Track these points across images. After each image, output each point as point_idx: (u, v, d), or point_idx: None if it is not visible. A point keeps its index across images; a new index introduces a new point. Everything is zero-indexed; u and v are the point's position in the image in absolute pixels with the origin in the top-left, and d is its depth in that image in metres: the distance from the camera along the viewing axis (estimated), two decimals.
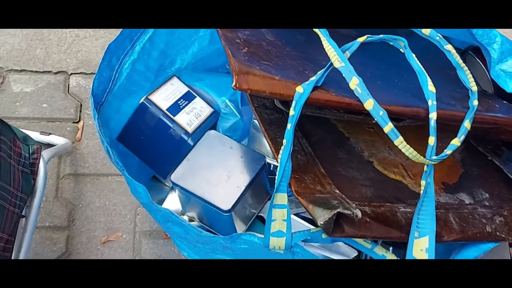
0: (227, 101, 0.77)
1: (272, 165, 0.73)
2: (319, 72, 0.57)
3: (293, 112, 0.54)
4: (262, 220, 0.78)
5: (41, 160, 0.74)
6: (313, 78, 0.56)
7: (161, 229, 0.93)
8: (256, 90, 0.55)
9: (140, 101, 0.73)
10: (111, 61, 0.69)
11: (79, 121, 1.03)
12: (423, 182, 0.58)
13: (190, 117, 0.75)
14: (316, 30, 0.62)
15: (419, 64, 0.62)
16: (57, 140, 0.88)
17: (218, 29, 0.63)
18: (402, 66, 0.65)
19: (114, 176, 0.98)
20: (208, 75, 0.82)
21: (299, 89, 0.54)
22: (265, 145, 0.76)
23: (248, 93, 0.57)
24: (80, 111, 1.04)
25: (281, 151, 0.55)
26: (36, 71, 1.07)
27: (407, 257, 0.55)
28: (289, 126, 0.54)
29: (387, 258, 0.58)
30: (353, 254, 0.69)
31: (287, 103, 0.63)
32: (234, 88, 0.54)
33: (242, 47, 0.61)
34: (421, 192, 0.57)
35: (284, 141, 0.54)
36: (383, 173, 0.68)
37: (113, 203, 0.96)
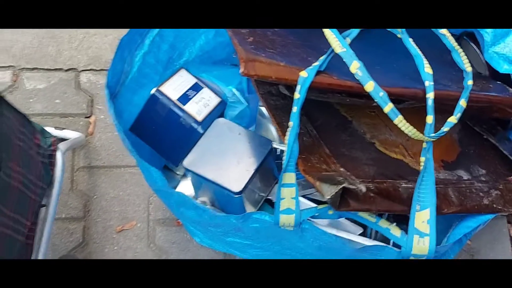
0: (234, 90, 0.80)
1: (278, 150, 0.76)
2: (321, 58, 0.60)
3: (298, 95, 0.57)
4: (270, 203, 0.81)
5: (58, 151, 0.77)
6: (316, 63, 0.59)
7: (174, 216, 0.96)
8: (262, 76, 0.59)
9: (151, 92, 0.77)
10: (123, 55, 0.73)
11: (91, 115, 1.07)
12: (422, 159, 0.61)
13: (199, 107, 0.78)
14: None
15: (416, 47, 0.66)
16: (71, 134, 0.91)
17: None
18: (400, 52, 0.69)
19: (126, 167, 1.01)
20: (214, 66, 0.86)
21: (303, 73, 0.58)
22: (271, 131, 0.79)
23: (255, 78, 0.60)
24: (92, 106, 1.07)
25: (287, 133, 0.58)
26: (48, 69, 1.10)
27: (409, 229, 0.59)
28: (295, 109, 0.58)
29: (391, 231, 0.61)
30: (358, 231, 0.73)
31: (291, 89, 0.67)
32: (242, 74, 0.58)
33: (247, 37, 0.64)
34: (421, 168, 0.61)
35: (291, 123, 0.58)
36: (384, 153, 0.71)
37: (126, 193, 0.99)
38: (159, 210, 0.98)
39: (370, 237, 0.73)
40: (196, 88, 0.81)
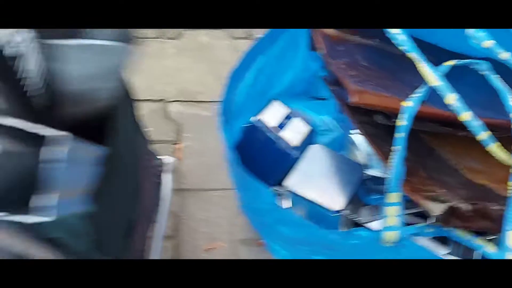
0: (325, 118, 0.88)
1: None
2: (421, 89, 0.67)
3: (405, 122, 0.64)
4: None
5: (168, 172, 0.86)
6: (419, 94, 0.66)
7: (256, 237, 1.03)
8: (370, 105, 0.66)
9: (252, 120, 0.85)
10: (231, 86, 0.82)
11: (179, 142, 1.16)
12: (510, 183, 0.67)
13: (293, 134, 0.86)
14: (410, 54, 0.73)
15: (500, 83, 0.72)
16: (168, 158, 1.01)
17: (326, 58, 0.76)
18: (480, 85, 0.75)
19: (212, 191, 1.10)
20: (304, 98, 0.94)
21: (409, 103, 0.65)
22: (359, 156, 0.86)
23: (362, 107, 0.68)
24: (180, 134, 1.17)
25: (393, 156, 0.65)
26: (139, 99, 1.21)
27: (500, 247, 0.63)
28: (401, 134, 0.65)
29: (486, 247, 0.66)
30: (446, 250, 0.78)
31: (389, 117, 0.74)
32: (351, 104, 0.65)
33: (348, 72, 0.72)
34: (509, 193, 0.66)
35: (397, 147, 0.65)
36: (470, 179, 0.77)
37: (213, 215, 1.07)
38: (242, 231, 1.05)
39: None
40: (289, 117, 0.89)
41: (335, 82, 0.75)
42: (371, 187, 0.82)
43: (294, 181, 0.78)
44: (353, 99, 0.65)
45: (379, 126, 0.78)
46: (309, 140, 0.88)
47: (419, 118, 0.72)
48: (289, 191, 0.78)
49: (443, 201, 0.63)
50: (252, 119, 0.85)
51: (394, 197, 0.65)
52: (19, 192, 0.37)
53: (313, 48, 0.87)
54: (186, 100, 1.22)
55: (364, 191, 0.85)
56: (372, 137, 0.75)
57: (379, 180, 0.80)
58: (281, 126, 0.87)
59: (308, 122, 0.90)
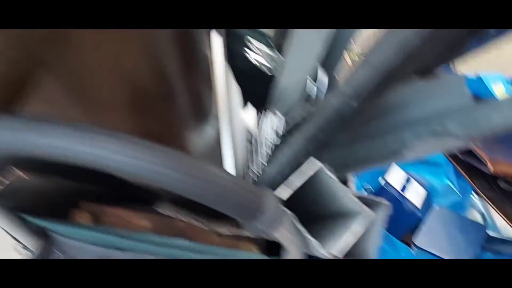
0: (447, 182, 0.99)
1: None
2: None
3: None
4: None
5: None
6: None
7: None
8: (506, 173, 0.77)
9: (381, 182, 0.97)
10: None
11: None
12: None
13: (415, 196, 0.97)
14: None
15: None
16: None
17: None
18: None
19: None
20: (419, 162, 1.06)
21: None
22: (479, 218, 0.96)
23: (500, 176, 0.79)
24: None
25: None
26: None
27: None
28: None
29: None
30: None
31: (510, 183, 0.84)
32: (491, 173, 0.77)
33: (482, 142, 0.84)
34: None
35: None
36: None
37: None
38: None
39: None
40: (408, 180, 1.00)
41: (465, 151, 0.86)
42: (492, 248, 0.91)
43: (422, 240, 0.89)
44: (490, 168, 0.76)
45: (503, 192, 0.89)
46: (428, 202, 0.98)
47: None
48: (417, 247, 0.89)
49: None
50: (380, 180, 0.97)
51: None
52: None
53: None
54: None
55: (485, 252, 0.94)
56: (496, 202, 0.86)
57: (500, 241, 0.89)
58: (405, 189, 0.98)
59: (423, 185, 1.02)
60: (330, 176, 0.38)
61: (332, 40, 0.49)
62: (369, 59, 0.33)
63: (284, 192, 0.37)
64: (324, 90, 0.46)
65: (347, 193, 0.39)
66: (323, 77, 0.46)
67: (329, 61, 0.52)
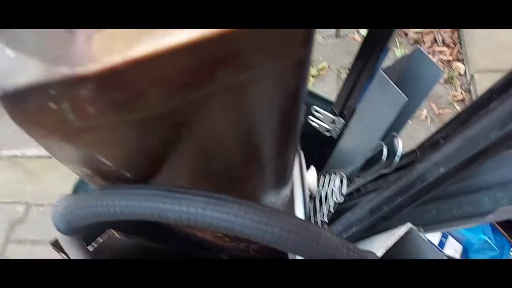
0: (483, 236, 1.01)
1: None
2: None
3: None
4: None
5: None
6: None
7: None
8: None
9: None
10: None
11: None
12: None
13: (454, 251, 1.00)
14: None
15: None
16: None
17: None
18: None
19: None
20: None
21: None
22: None
23: None
24: None
25: None
26: None
27: None
28: None
29: None
30: None
31: None
32: None
33: None
34: None
35: None
36: None
37: None
38: None
39: None
40: (445, 235, 1.03)
41: None
42: None
43: None
44: None
45: None
46: (465, 257, 1.01)
47: None
48: None
49: None
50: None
51: None
52: None
53: None
54: None
55: None
56: None
57: None
58: (442, 244, 1.00)
59: (460, 241, 1.04)
60: (422, 237, 0.42)
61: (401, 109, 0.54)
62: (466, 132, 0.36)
63: (377, 251, 0.40)
64: (399, 154, 0.50)
65: (438, 254, 0.42)
66: (396, 141, 0.50)
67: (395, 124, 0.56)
